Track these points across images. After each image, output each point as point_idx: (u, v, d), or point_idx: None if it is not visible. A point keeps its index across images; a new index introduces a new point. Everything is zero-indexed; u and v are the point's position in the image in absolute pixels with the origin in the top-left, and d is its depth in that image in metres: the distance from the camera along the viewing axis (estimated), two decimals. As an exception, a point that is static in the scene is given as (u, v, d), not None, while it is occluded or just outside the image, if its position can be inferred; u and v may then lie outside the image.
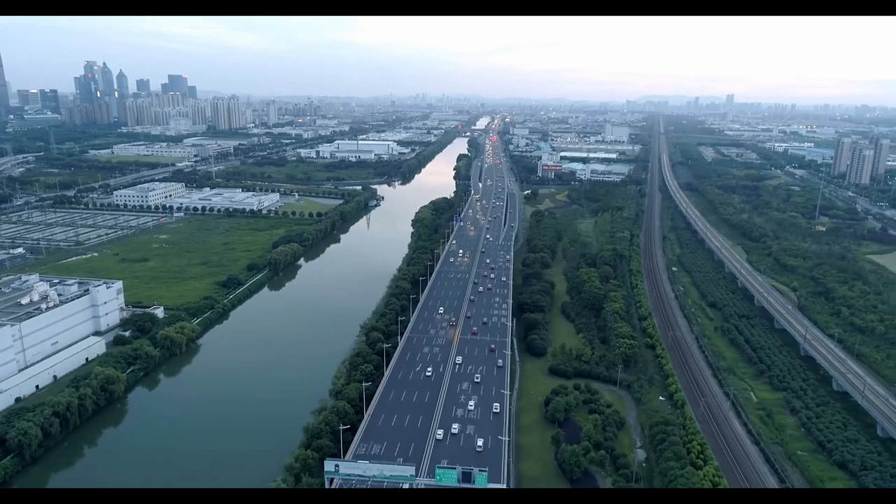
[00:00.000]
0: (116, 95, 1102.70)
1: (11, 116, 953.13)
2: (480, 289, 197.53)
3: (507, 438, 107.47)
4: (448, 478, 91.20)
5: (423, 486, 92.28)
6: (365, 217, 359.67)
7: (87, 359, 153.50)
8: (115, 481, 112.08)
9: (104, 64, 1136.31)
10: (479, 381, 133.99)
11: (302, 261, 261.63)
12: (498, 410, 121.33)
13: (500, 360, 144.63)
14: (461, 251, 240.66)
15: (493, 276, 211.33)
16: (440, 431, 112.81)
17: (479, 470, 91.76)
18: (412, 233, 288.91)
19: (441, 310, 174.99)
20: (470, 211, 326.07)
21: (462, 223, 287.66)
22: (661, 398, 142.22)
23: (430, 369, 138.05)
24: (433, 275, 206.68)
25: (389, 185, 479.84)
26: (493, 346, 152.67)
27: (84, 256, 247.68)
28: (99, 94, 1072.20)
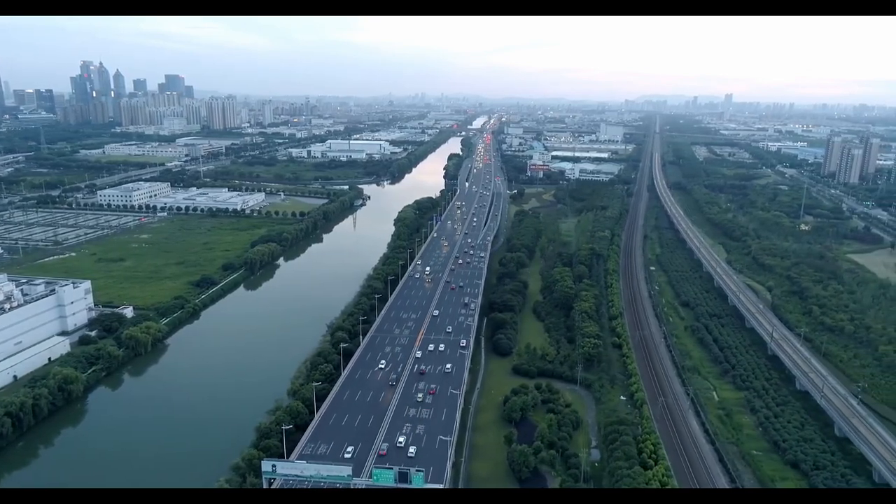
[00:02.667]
0: (113, 95, 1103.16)
1: (6, 116, 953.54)
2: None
3: (450, 438, 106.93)
4: (385, 478, 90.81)
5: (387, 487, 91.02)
6: (350, 216, 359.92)
7: (49, 359, 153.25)
8: (71, 481, 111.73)
9: (100, 64, 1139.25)
10: (450, 331, 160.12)
11: (281, 260, 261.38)
12: (465, 345, 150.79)
13: (472, 305, 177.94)
14: (428, 268, 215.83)
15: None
16: (419, 352, 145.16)
17: (416, 470, 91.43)
18: (393, 232, 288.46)
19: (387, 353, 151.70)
20: (449, 222, 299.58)
21: (437, 233, 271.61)
22: (622, 398, 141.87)
23: (387, 365, 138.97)
24: (402, 280, 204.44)
25: (378, 185, 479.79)
26: (465, 301, 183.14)
27: (61, 256, 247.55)
28: (95, 94, 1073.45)
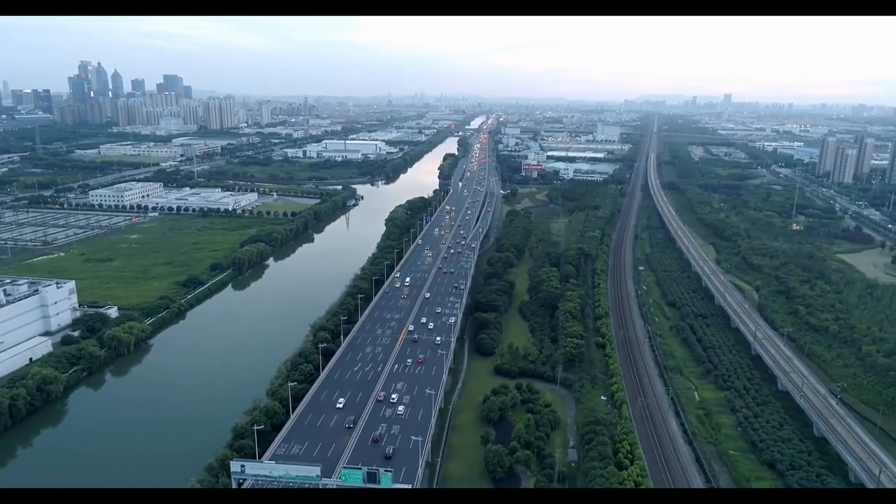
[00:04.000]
0: (110, 95, 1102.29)
1: (3, 116, 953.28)
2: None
3: (421, 438, 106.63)
4: (353, 478, 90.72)
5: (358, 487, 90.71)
6: (343, 216, 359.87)
7: (30, 359, 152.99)
8: (47, 482, 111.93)
9: (98, 64, 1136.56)
10: (439, 311, 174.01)
11: (270, 260, 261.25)
12: (452, 321, 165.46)
13: (462, 286, 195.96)
14: (408, 279, 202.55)
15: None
16: (412, 326, 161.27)
17: (385, 470, 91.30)
18: (383, 232, 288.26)
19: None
20: (436, 230, 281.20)
21: (421, 241, 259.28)
22: (602, 398, 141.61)
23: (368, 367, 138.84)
24: (385, 283, 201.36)
25: (372, 185, 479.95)
26: (455, 284, 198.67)
27: (50, 256, 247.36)
28: (92, 94, 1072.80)
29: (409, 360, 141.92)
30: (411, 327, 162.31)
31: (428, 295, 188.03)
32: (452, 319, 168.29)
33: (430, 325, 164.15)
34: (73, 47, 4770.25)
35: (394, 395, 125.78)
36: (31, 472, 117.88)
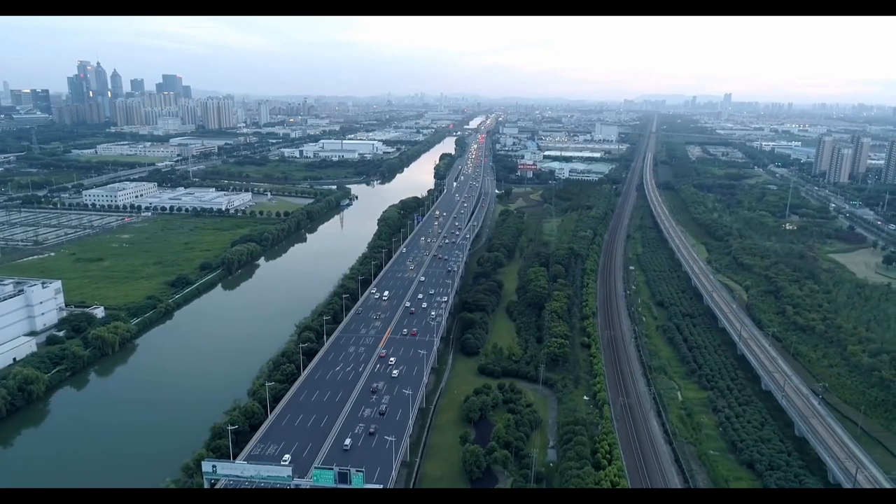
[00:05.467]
0: (109, 95, 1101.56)
1: (1, 116, 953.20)
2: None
3: (395, 438, 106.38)
4: (325, 478, 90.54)
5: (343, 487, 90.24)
6: (337, 216, 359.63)
7: (14, 359, 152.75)
8: (28, 482, 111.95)
9: (97, 64, 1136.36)
10: (433, 293, 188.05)
11: (262, 260, 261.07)
12: (445, 300, 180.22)
13: (457, 267, 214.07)
14: (386, 292, 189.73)
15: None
16: (408, 303, 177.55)
17: (356, 470, 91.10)
18: (375, 231, 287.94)
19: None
20: (422, 238, 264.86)
21: (405, 249, 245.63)
22: (585, 398, 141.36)
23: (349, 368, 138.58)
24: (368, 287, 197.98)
25: (368, 185, 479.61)
26: (449, 268, 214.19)
27: (40, 256, 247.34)
28: (91, 94, 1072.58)
29: (405, 331, 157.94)
30: (408, 303, 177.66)
31: (423, 278, 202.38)
32: (445, 298, 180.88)
33: (424, 305, 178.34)
34: (73, 47, 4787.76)
35: (374, 397, 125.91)
36: (11, 472, 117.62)
